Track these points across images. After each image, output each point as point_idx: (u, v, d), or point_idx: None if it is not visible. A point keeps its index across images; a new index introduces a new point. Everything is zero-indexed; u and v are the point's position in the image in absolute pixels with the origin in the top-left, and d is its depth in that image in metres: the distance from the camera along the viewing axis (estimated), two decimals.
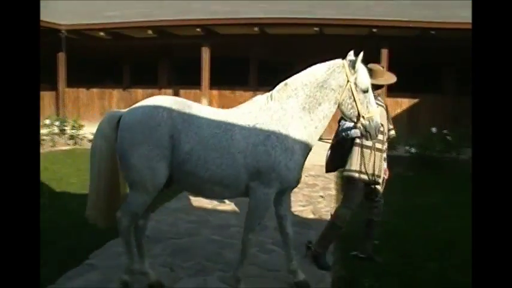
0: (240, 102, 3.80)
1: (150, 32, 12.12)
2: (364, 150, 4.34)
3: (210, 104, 12.27)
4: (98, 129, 3.62)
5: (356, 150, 4.38)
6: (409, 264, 4.57)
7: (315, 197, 7.08)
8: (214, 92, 12.83)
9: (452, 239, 5.37)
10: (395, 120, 12.30)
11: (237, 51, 12.91)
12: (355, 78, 3.49)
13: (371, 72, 3.87)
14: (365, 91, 3.52)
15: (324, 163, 4.77)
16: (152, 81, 14.30)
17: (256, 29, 11.31)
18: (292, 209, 6.27)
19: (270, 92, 3.63)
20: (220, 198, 3.90)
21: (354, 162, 4.39)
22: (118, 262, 4.25)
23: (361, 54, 3.48)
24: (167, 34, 12.60)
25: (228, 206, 6.33)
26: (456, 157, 9.50)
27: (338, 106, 3.59)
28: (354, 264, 4.55)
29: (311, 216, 6.11)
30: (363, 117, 3.52)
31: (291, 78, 3.62)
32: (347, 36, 11.53)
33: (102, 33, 12.78)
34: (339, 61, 3.58)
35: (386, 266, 4.51)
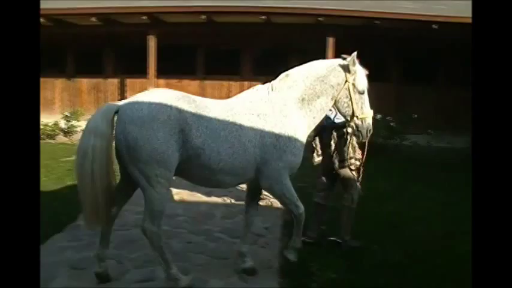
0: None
1: (94, 19, 11.75)
2: (354, 138, 4.49)
3: None
4: (91, 126, 3.35)
5: (349, 139, 4.55)
6: (356, 247, 4.71)
7: None
8: (161, 81, 12.60)
9: (395, 220, 5.59)
10: None
11: (184, 39, 12.73)
12: (354, 79, 3.76)
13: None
14: (361, 93, 3.80)
15: None
16: (97, 70, 13.89)
17: (203, 17, 11.20)
18: (241, 197, 6.27)
19: (271, 83, 3.79)
20: (227, 187, 3.94)
21: (350, 151, 4.60)
22: (61, 258, 4.15)
23: (354, 54, 3.75)
24: (112, 22, 12.27)
25: (176, 195, 6.29)
26: (399, 143, 9.83)
27: (334, 103, 3.84)
28: (302, 249, 4.63)
29: (260, 203, 6.11)
30: (357, 117, 3.80)
31: (292, 70, 3.82)
32: (293, 25, 11.63)
33: (42, 20, 12.27)
34: (340, 60, 3.82)
35: (333, 250, 4.64)
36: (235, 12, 10.78)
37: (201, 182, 3.80)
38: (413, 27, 10.97)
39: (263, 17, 10.96)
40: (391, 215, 5.76)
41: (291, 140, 3.59)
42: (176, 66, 12.92)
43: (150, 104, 3.29)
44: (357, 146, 4.66)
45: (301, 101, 3.70)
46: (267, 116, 3.58)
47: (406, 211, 5.98)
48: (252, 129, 3.51)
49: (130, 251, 4.37)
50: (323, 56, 10.82)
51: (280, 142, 3.55)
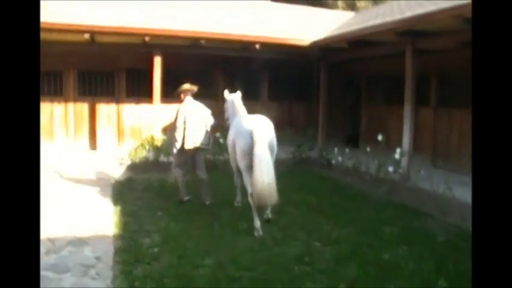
0: None
1: None
2: None
3: None
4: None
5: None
6: (188, 264, 4.79)
7: (91, 212, 6.78)
8: None
9: (226, 233, 5.79)
10: (172, 127, 12.53)
11: None
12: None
13: (187, 87, 7.61)
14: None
15: None
16: None
17: None
18: (66, 228, 5.93)
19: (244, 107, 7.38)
20: None
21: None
22: None
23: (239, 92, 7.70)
24: None
25: None
26: (227, 158, 10.16)
27: None
28: (136, 274, 4.57)
29: (88, 233, 5.84)
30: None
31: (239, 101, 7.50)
32: (120, 44, 11.38)
33: None
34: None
35: (167, 269, 4.67)
36: (57, 30, 10.16)
37: None
38: (238, 46, 11.55)
39: (87, 36, 10.52)
40: (222, 230, 5.95)
41: None
42: None
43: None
44: None
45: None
46: None
47: (230, 225, 6.21)
48: None
49: None
50: (151, 74, 10.85)
51: None
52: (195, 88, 7.67)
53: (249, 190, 6.04)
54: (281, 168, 10.24)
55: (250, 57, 12.12)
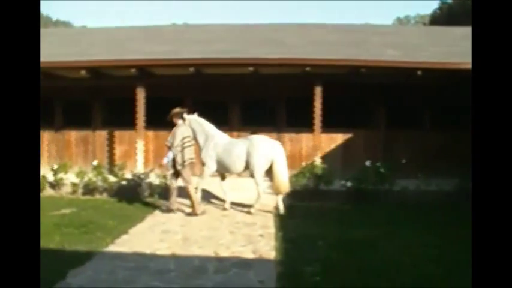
0: None
1: (83, 72, 11.74)
2: None
3: (146, 145, 12.02)
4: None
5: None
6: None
7: (254, 236, 7.04)
8: (150, 133, 12.57)
9: (388, 268, 5.51)
10: (331, 155, 12.49)
11: (173, 91, 12.78)
12: None
13: (179, 110, 9.09)
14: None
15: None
16: (85, 122, 13.84)
17: (191, 69, 11.32)
18: (232, 250, 6.20)
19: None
20: None
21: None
22: None
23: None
24: (101, 74, 12.30)
25: (167, 249, 6.18)
26: (389, 188, 9.81)
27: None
28: None
29: (251, 256, 6.03)
30: None
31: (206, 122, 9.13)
32: (281, 75, 11.81)
33: None
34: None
35: None
36: (223, 64, 10.95)
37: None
38: (398, 73, 11.20)
39: (251, 69, 11.13)
40: (385, 263, 5.67)
41: None
42: (165, 118, 12.81)
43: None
44: None
45: None
46: None
47: (397, 258, 5.89)
48: None
49: None
50: (311, 105, 11.00)
51: None
52: (184, 111, 9.12)
53: (262, 187, 8.68)
54: (444, 201, 9.72)
55: (410, 84, 11.67)
